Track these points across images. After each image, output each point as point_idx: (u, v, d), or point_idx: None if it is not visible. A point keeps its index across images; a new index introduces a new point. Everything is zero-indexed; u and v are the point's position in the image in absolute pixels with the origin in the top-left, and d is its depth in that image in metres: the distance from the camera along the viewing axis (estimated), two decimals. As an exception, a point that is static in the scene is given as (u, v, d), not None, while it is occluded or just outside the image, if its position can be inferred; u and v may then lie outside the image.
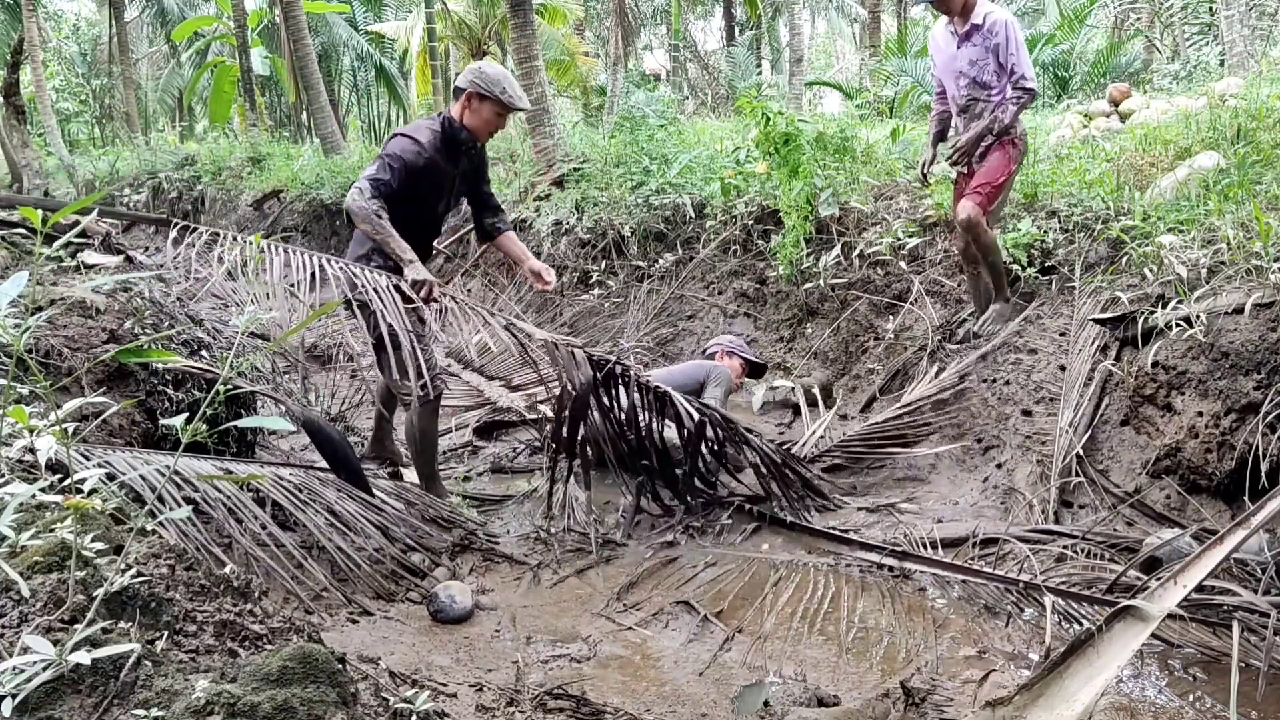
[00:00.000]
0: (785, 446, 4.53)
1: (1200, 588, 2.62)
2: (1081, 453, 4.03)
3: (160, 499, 2.91)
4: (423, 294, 3.67)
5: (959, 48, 4.63)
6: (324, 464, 3.78)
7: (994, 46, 4.49)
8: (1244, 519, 2.60)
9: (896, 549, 3.70)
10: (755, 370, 5.65)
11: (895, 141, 7.36)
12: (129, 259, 5.44)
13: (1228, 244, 3.95)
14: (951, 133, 4.92)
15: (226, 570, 1.98)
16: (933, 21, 4.68)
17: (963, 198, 4.69)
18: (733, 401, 5.44)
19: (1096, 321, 4.42)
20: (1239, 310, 3.62)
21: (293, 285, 3.53)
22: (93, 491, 1.87)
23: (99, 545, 1.76)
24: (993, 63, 4.53)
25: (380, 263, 3.93)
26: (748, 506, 4.24)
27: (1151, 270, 4.28)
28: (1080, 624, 3.07)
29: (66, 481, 1.84)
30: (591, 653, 3.09)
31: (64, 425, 1.67)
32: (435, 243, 4.39)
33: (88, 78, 28.71)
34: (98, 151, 21.72)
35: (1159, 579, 2.65)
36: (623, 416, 4.08)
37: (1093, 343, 4.41)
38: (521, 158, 9.43)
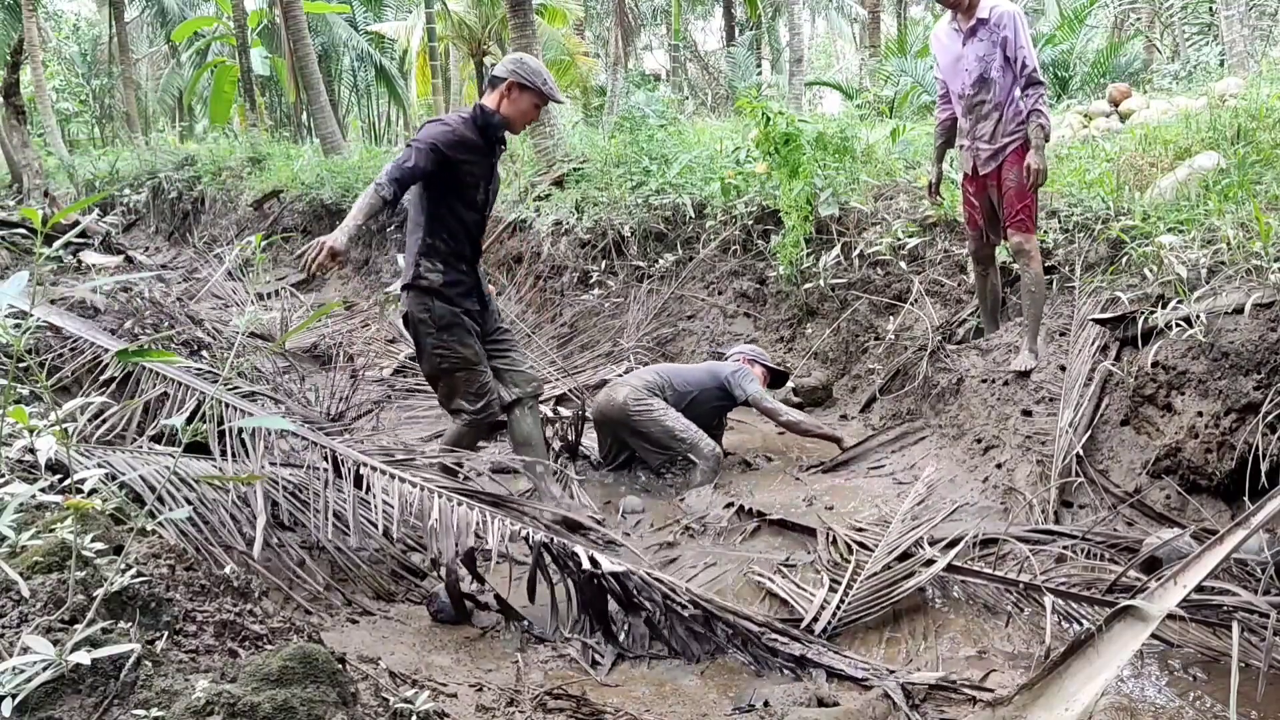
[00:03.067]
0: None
1: (1200, 588, 2.62)
2: (1081, 453, 4.02)
3: (160, 499, 2.92)
4: (310, 254, 3.44)
5: (964, 45, 4.52)
6: (324, 464, 3.77)
7: (1001, 40, 4.40)
8: (1244, 519, 2.60)
9: (896, 549, 3.69)
10: (777, 379, 5.40)
11: (895, 141, 7.37)
12: (129, 259, 5.45)
13: (1228, 244, 3.95)
14: (959, 138, 4.80)
15: (226, 570, 1.98)
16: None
17: (1006, 227, 4.57)
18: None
19: (1096, 321, 4.42)
20: (1239, 310, 3.62)
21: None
22: (93, 491, 1.87)
23: (99, 545, 1.76)
24: (999, 57, 4.43)
25: (443, 274, 3.88)
26: (748, 507, 4.24)
27: (1151, 270, 4.28)
28: (1080, 624, 3.07)
29: (66, 481, 1.84)
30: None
31: (64, 425, 1.68)
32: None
33: (88, 78, 28.72)
34: (98, 151, 21.73)
35: (1159, 579, 2.65)
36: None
37: (1093, 343, 4.41)
38: (521, 158, 9.43)
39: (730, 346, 6.47)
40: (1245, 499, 3.30)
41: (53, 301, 4.51)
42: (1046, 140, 4.48)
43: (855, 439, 5.11)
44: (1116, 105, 8.13)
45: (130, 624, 1.62)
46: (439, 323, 3.88)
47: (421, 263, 3.87)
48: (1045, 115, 4.43)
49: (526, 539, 3.21)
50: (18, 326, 2.86)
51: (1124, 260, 4.57)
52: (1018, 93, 4.46)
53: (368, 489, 3.44)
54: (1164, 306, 3.97)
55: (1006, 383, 4.69)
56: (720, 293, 6.95)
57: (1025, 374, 4.59)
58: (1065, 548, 3.55)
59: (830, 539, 3.77)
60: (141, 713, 1.45)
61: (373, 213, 3.60)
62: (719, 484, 4.63)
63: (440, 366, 3.94)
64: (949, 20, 4.62)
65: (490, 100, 3.90)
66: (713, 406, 5.00)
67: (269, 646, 1.80)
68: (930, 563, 3.37)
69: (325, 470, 3.49)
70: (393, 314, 8.21)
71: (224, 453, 3.45)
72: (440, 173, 3.75)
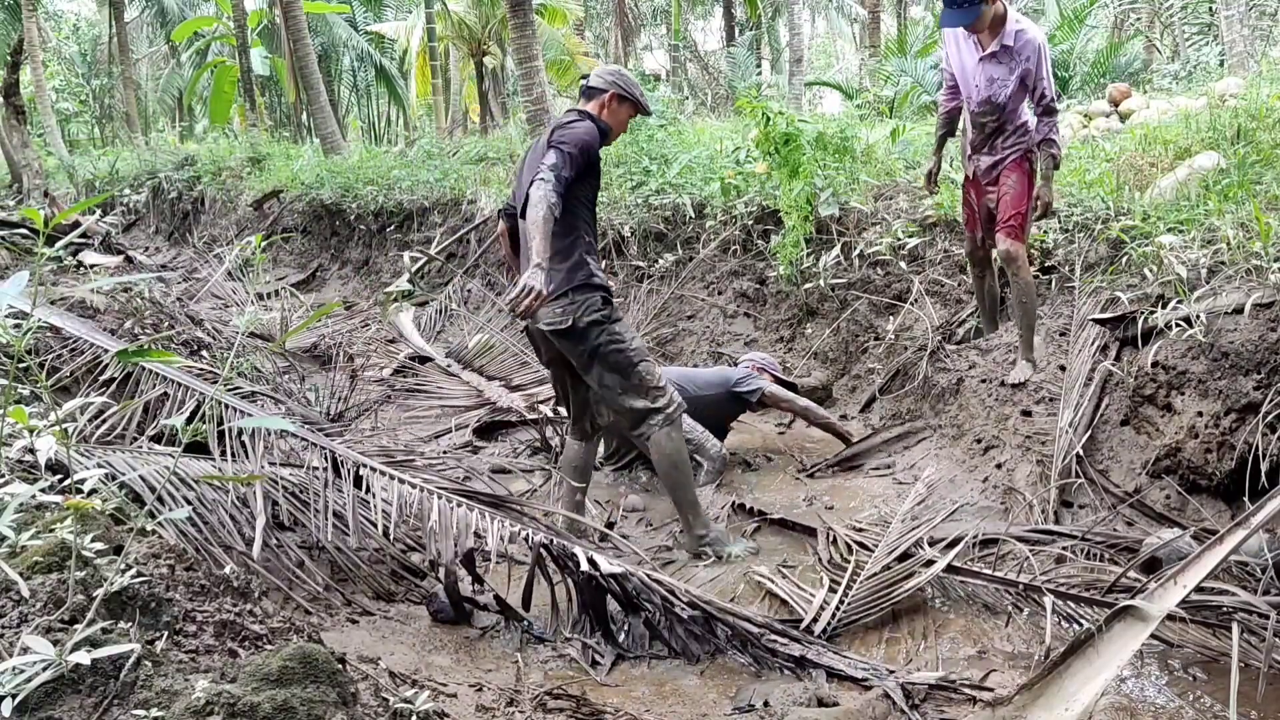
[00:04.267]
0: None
1: (1200, 588, 2.62)
2: (1081, 453, 4.02)
3: (160, 499, 2.92)
4: (521, 298, 3.31)
5: (980, 62, 4.39)
6: (323, 465, 3.77)
7: (1022, 71, 4.28)
8: (1244, 519, 2.60)
9: (896, 549, 3.69)
10: (786, 390, 5.35)
11: (895, 141, 7.36)
12: (129, 259, 5.45)
13: (1228, 244, 3.95)
14: (962, 140, 4.74)
15: (226, 570, 1.98)
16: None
17: (997, 232, 4.52)
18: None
19: (1096, 321, 4.42)
20: (1239, 310, 3.62)
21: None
22: (93, 491, 1.87)
23: (99, 545, 1.76)
24: (1013, 84, 4.32)
25: (601, 273, 3.78)
26: (749, 506, 4.24)
27: (1151, 270, 4.28)
28: (1080, 624, 3.07)
29: (66, 482, 1.84)
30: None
31: (64, 425, 1.68)
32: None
33: (88, 78, 28.73)
34: (98, 151, 21.72)
35: (1159, 579, 2.65)
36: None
37: (1093, 343, 4.41)
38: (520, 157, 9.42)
39: (729, 346, 6.48)
40: (1245, 499, 3.30)
41: (53, 302, 4.51)
42: (1056, 168, 4.45)
43: (856, 439, 5.12)
44: (1116, 105, 8.13)
45: (130, 624, 1.62)
46: (610, 317, 3.74)
47: (589, 261, 3.74)
48: (1058, 146, 4.39)
49: (526, 539, 3.21)
50: (18, 327, 2.86)
51: (1124, 260, 4.57)
52: (1025, 108, 4.41)
53: (367, 489, 3.44)
54: (1164, 306, 3.97)
55: (1004, 383, 4.69)
56: (720, 293, 6.95)
57: (1022, 385, 4.57)
58: (1065, 548, 3.55)
59: (830, 539, 3.77)
60: (141, 713, 1.45)
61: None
62: (720, 484, 4.63)
63: (620, 365, 3.74)
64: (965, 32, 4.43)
65: (591, 109, 3.85)
66: (719, 412, 5.01)
67: (269, 646, 1.80)
68: (930, 563, 3.36)
69: (325, 470, 3.49)
70: (393, 314, 8.21)
71: (224, 453, 3.45)
72: (590, 172, 3.72)
